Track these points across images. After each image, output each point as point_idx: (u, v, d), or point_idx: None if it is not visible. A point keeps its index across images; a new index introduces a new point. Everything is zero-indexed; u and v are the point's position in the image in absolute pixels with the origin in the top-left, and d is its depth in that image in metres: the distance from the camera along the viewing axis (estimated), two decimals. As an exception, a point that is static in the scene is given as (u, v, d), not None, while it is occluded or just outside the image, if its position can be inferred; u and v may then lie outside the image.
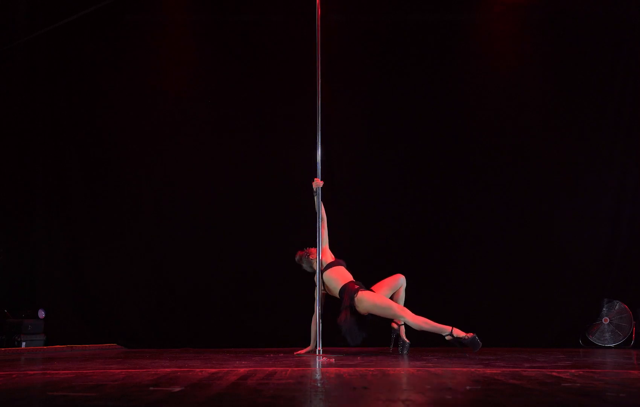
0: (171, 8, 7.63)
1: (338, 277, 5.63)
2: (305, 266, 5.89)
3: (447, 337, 5.27)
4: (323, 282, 5.67)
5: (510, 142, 7.28)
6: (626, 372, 3.72)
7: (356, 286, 5.52)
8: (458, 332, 5.22)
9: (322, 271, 5.66)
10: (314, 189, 5.69)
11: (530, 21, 7.38)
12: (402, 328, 5.55)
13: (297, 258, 5.92)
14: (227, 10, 7.61)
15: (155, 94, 7.58)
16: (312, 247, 5.79)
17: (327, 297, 5.77)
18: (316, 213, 5.69)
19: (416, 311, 5.43)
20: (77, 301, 7.43)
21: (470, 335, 5.17)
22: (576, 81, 7.26)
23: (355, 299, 5.45)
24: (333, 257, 5.79)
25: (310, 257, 5.79)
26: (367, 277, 5.77)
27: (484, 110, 7.34)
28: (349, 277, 5.65)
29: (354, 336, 5.45)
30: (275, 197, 7.26)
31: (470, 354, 5.19)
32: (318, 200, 5.67)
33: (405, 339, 5.51)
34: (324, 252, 5.73)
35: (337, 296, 5.61)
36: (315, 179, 5.71)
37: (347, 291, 5.50)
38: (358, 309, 5.45)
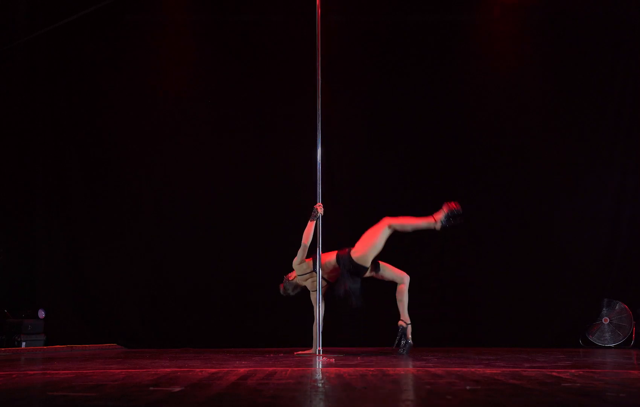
0: (171, 8, 7.64)
1: (327, 257, 5.68)
2: (291, 291, 5.85)
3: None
4: (322, 271, 5.65)
5: (511, 142, 7.27)
6: (626, 372, 3.72)
7: (346, 249, 5.61)
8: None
9: (314, 270, 5.65)
10: (315, 213, 5.62)
11: (530, 22, 7.37)
12: (409, 328, 5.53)
13: (281, 291, 5.89)
14: (227, 10, 7.61)
15: (155, 94, 7.58)
16: (286, 274, 5.81)
17: (330, 286, 5.72)
18: (303, 232, 5.61)
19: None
20: (77, 301, 7.44)
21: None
22: (576, 81, 7.25)
23: (351, 253, 5.54)
24: None
25: (290, 279, 5.79)
26: (366, 278, 5.75)
27: (484, 111, 7.33)
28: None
29: (357, 296, 5.51)
30: (275, 197, 7.25)
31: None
32: (319, 224, 5.62)
33: (409, 340, 5.50)
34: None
35: (337, 266, 5.65)
36: (319, 204, 5.66)
37: (342, 254, 5.59)
38: (358, 261, 5.52)
